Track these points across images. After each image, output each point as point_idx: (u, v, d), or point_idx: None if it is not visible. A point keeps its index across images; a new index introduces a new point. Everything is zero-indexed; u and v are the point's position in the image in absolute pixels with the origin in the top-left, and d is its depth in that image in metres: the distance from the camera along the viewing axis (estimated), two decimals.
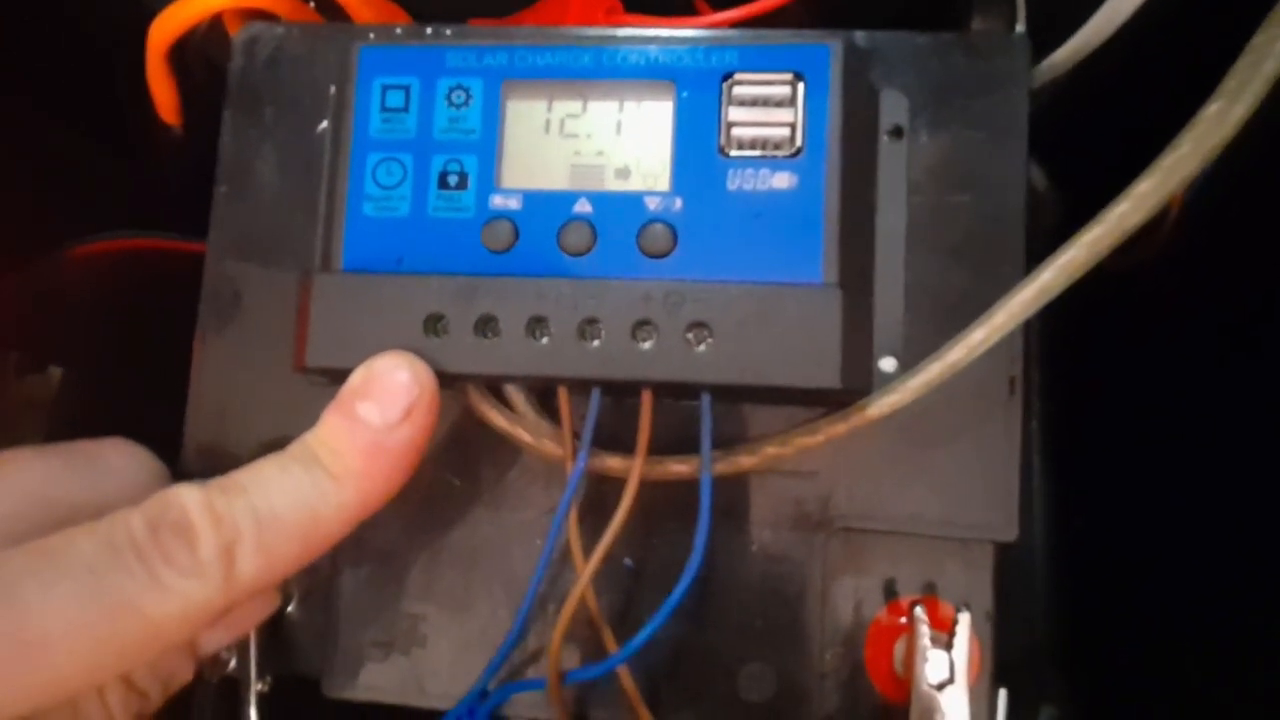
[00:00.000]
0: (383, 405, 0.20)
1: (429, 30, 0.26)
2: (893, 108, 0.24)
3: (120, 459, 0.21)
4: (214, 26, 0.29)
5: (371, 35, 0.26)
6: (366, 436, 0.20)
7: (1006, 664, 0.24)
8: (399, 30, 0.26)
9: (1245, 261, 0.28)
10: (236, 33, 0.27)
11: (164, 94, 0.31)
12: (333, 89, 0.24)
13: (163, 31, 0.29)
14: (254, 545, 0.18)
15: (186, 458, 0.25)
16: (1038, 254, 0.22)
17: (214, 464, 0.24)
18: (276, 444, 0.25)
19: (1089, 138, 0.34)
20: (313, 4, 0.30)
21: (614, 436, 0.23)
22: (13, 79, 0.30)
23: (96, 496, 0.19)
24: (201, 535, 0.18)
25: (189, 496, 0.18)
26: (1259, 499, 0.26)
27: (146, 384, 0.29)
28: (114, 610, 0.17)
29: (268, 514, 0.19)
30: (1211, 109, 0.20)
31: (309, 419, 0.25)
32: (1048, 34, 0.28)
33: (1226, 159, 0.21)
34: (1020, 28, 0.25)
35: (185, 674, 0.22)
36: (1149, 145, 0.21)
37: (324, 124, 0.26)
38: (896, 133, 0.24)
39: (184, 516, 0.18)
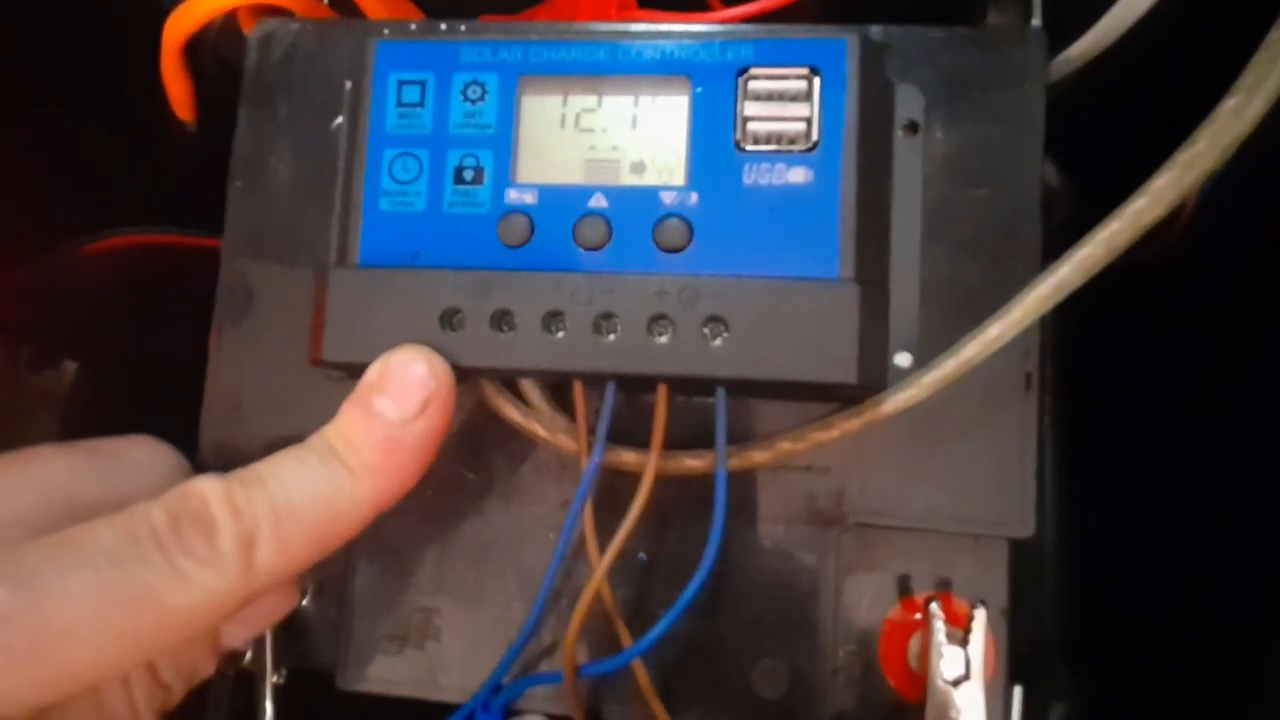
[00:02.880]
0: (399, 400, 0.20)
1: (444, 26, 0.26)
2: (908, 102, 0.24)
3: (143, 455, 0.21)
4: (228, 23, 0.30)
5: (386, 31, 0.26)
6: (383, 431, 0.20)
7: (1018, 660, 0.24)
8: (414, 26, 0.26)
9: (1260, 256, 0.28)
10: (251, 29, 0.27)
11: (178, 90, 0.31)
12: (348, 85, 0.24)
13: (177, 28, 0.29)
14: (272, 537, 0.18)
15: (203, 453, 0.25)
16: (1050, 250, 0.22)
17: (230, 459, 0.24)
18: (292, 439, 0.25)
19: (1103, 133, 0.33)
20: (327, 1, 0.30)
21: (628, 431, 0.23)
22: (29, 76, 0.30)
23: (118, 492, 0.20)
24: (221, 527, 0.18)
25: (209, 488, 0.18)
26: (1273, 496, 0.26)
27: (160, 378, 0.30)
28: (134, 600, 0.17)
29: (285, 507, 0.19)
30: (1229, 104, 0.20)
31: (324, 414, 0.25)
32: (1063, 28, 0.28)
33: (1241, 154, 0.21)
34: (1036, 22, 0.25)
35: (207, 668, 0.23)
36: (1164, 141, 0.21)
37: (339, 120, 0.26)
38: (912, 127, 0.24)
39: (204, 508, 0.18)
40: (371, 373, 0.20)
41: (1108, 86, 0.29)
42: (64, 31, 0.31)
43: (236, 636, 0.23)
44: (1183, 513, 0.31)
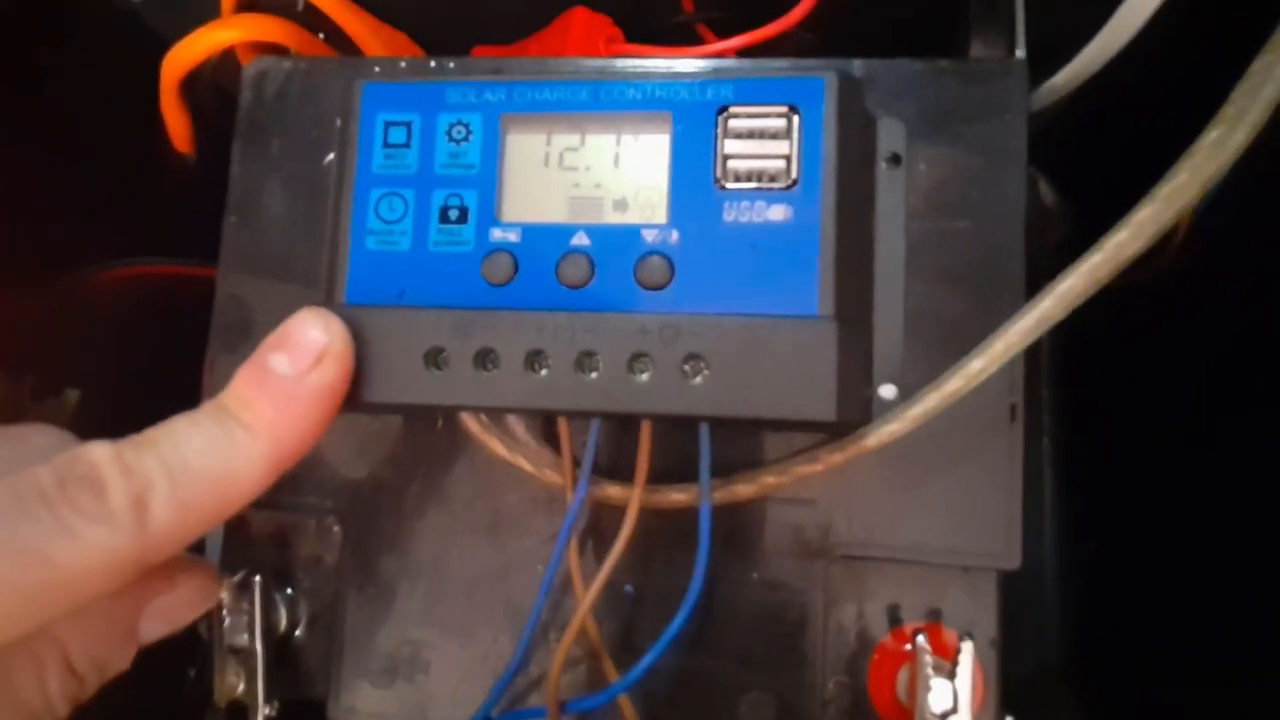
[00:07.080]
0: (293, 356, 0.20)
1: (433, 64, 0.26)
2: (890, 135, 0.24)
3: (42, 440, 0.21)
4: (226, 58, 0.30)
5: (377, 69, 0.26)
6: (278, 386, 0.20)
7: (1019, 686, 0.24)
8: (403, 64, 0.27)
9: (1257, 275, 0.28)
10: (246, 66, 0.28)
11: (177, 124, 0.31)
12: (339, 122, 0.25)
13: (176, 64, 0.30)
14: (167, 495, 0.18)
15: None
16: (1047, 269, 0.22)
17: None
18: None
19: (1097, 153, 0.33)
20: (323, 36, 0.31)
21: (615, 464, 0.23)
22: (31, 111, 0.31)
23: (11, 470, 0.19)
24: (110, 485, 0.18)
25: (98, 451, 0.18)
26: (1273, 518, 0.26)
27: (161, 406, 0.30)
28: (21, 556, 0.17)
29: (179, 465, 0.19)
30: (1210, 136, 0.20)
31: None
32: (1048, 56, 0.28)
33: (1236, 173, 0.21)
34: (1020, 52, 0.25)
35: (122, 661, 0.22)
36: (1156, 159, 0.21)
37: (331, 156, 0.26)
38: (894, 160, 0.24)
39: (92, 469, 0.18)
40: (270, 337, 0.21)
41: (1100, 108, 0.29)
42: (65, 67, 0.32)
43: (153, 630, 0.22)
44: (1183, 536, 0.30)
